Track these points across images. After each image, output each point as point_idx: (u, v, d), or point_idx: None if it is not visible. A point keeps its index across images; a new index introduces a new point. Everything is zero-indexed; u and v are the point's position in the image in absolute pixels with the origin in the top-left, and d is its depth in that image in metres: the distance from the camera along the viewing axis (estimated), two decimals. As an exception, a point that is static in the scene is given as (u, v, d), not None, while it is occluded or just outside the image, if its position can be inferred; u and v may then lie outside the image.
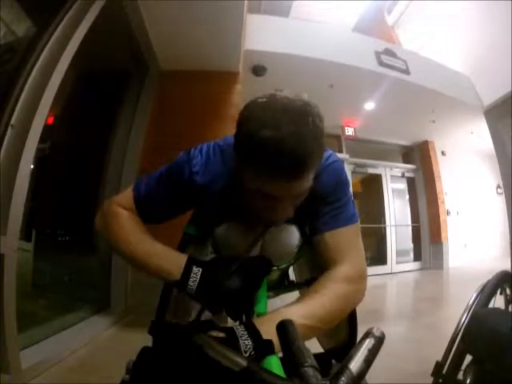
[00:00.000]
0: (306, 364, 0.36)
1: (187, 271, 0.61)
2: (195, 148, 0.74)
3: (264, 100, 0.58)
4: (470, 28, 4.63)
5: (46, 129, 1.66)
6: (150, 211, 0.74)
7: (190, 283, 0.59)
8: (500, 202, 6.06)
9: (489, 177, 6.47)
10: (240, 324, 0.52)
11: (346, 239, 0.69)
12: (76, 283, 2.74)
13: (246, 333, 0.48)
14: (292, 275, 1.15)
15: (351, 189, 0.77)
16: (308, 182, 0.60)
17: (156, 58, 2.96)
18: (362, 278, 0.67)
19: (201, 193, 0.71)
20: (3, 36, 1.75)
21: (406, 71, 4.28)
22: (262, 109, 0.56)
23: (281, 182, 0.56)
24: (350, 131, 5.37)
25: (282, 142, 0.52)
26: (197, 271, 0.60)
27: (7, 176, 1.45)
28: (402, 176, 6.38)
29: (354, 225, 0.71)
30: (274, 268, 0.81)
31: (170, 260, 0.64)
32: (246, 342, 0.46)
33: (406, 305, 3.78)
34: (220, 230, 0.77)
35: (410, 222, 6.21)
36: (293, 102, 0.56)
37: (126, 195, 0.76)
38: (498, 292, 1.31)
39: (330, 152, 0.75)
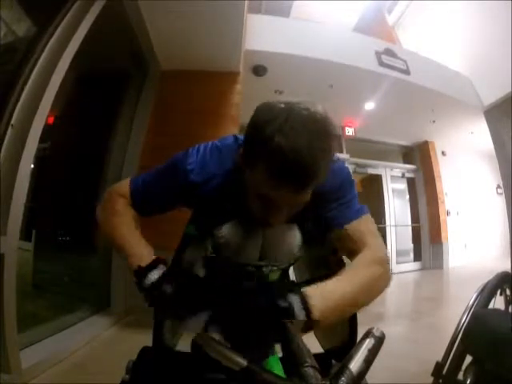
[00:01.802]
0: (306, 364, 0.36)
1: (144, 274, 0.61)
2: (193, 147, 0.75)
3: (282, 106, 0.57)
4: (470, 28, 4.63)
5: (47, 129, 1.66)
6: (142, 203, 0.76)
7: (145, 284, 0.59)
8: (500, 202, 6.06)
9: (489, 177, 6.47)
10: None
11: (364, 229, 0.72)
12: (76, 283, 2.74)
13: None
14: (292, 275, 1.15)
15: (356, 188, 0.78)
16: (309, 194, 0.61)
17: (156, 57, 2.95)
18: (386, 261, 0.70)
19: (194, 191, 0.72)
20: (3, 36, 1.75)
21: (407, 71, 4.28)
22: (280, 116, 0.55)
23: (286, 192, 0.57)
24: (350, 131, 5.37)
25: (297, 155, 0.52)
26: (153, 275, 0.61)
27: (7, 176, 1.45)
28: (402, 176, 6.38)
29: (367, 215, 0.74)
30: (274, 268, 0.82)
31: (136, 252, 0.66)
32: None
33: (406, 305, 3.78)
34: (219, 230, 0.77)
35: (410, 222, 6.21)
36: (313, 116, 0.56)
37: (124, 184, 0.78)
38: (498, 293, 1.31)
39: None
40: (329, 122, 0.57)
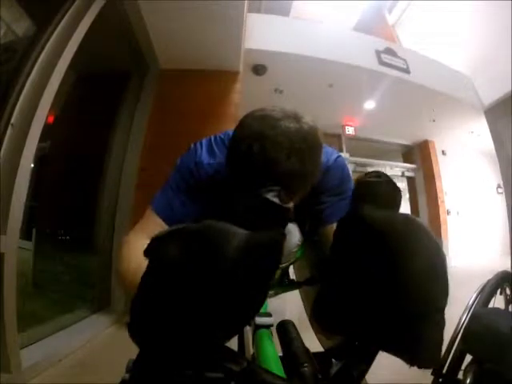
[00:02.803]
0: (306, 364, 0.36)
1: None
2: (194, 144, 0.76)
3: (259, 117, 0.57)
4: (471, 27, 4.63)
5: (46, 128, 1.66)
6: (175, 217, 0.70)
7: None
8: (500, 201, 6.06)
9: (489, 176, 6.46)
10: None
11: None
12: (76, 282, 2.74)
13: None
14: (292, 274, 1.15)
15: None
16: (291, 206, 0.58)
17: (156, 57, 2.95)
18: None
19: (211, 179, 0.71)
20: (3, 35, 1.75)
21: (407, 70, 4.28)
22: (256, 124, 0.55)
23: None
24: (350, 130, 5.36)
25: (271, 166, 0.51)
26: None
27: (7, 175, 1.45)
28: (402, 175, 6.37)
29: None
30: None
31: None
32: None
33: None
34: None
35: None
36: (289, 129, 0.54)
37: (145, 216, 0.72)
38: (498, 292, 1.31)
39: (331, 149, 0.78)
40: (310, 134, 0.56)
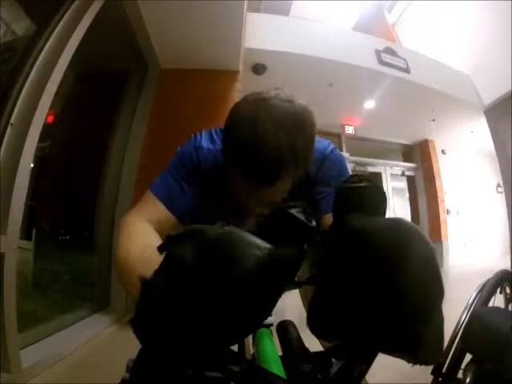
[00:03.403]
0: (306, 364, 0.35)
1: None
2: (194, 133, 0.79)
3: (252, 100, 0.60)
4: (471, 27, 4.62)
5: (46, 128, 1.66)
6: (174, 201, 0.71)
7: None
8: (500, 200, 6.06)
9: (489, 176, 6.46)
10: None
11: None
12: (76, 282, 2.75)
13: None
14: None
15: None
16: (280, 188, 0.59)
17: (156, 56, 2.95)
18: None
19: (209, 165, 0.72)
20: (3, 35, 1.75)
21: (407, 70, 4.27)
22: (249, 104, 0.58)
23: (248, 185, 0.57)
24: (349, 130, 5.36)
25: (256, 150, 0.52)
26: None
27: (7, 175, 1.45)
28: (402, 175, 6.37)
29: None
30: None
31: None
32: None
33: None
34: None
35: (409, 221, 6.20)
36: (282, 107, 0.56)
37: (144, 199, 0.72)
38: (498, 291, 1.31)
39: (327, 141, 0.79)
40: (301, 114, 0.57)
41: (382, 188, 0.34)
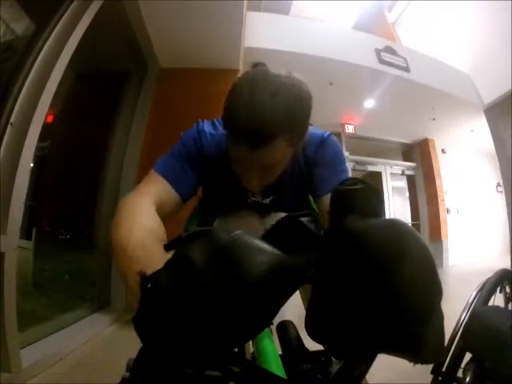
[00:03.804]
0: (306, 364, 0.35)
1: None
2: (197, 121, 0.82)
3: (252, 72, 0.66)
4: (471, 26, 4.62)
5: (46, 127, 1.66)
6: (177, 180, 0.72)
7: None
8: (500, 200, 6.06)
9: (489, 175, 6.46)
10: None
11: None
12: (76, 281, 2.75)
13: None
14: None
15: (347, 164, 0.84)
16: (276, 153, 0.62)
17: (155, 55, 2.94)
18: None
19: (211, 148, 0.76)
20: (2, 34, 1.75)
21: (407, 69, 4.27)
22: (245, 79, 0.64)
23: (244, 149, 0.60)
24: (349, 129, 5.36)
25: (244, 112, 0.57)
26: None
27: (7, 175, 1.45)
28: (402, 174, 6.37)
29: None
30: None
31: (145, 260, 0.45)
32: None
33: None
34: (219, 223, 0.80)
35: (409, 220, 6.21)
36: (270, 77, 0.62)
37: (147, 179, 0.72)
38: (498, 290, 1.31)
39: (325, 130, 0.83)
40: (298, 84, 0.63)
41: (378, 189, 0.35)
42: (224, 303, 0.27)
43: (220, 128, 0.78)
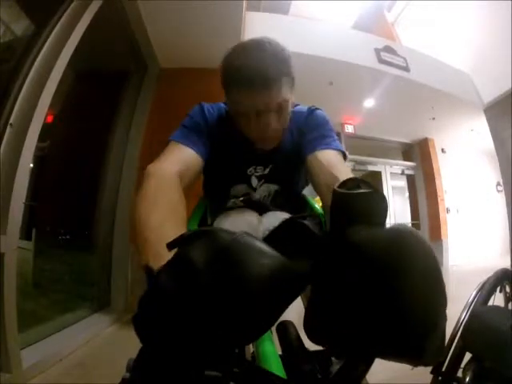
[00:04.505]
0: (306, 364, 0.35)
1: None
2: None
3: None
4: (471, 25, 4.61)
5: (45, 127, 1.66)
6: (196, 144, 0.79)
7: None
8: (500, 199, 6.06)
9: (489, 174, 6.46)
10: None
11: (336, 161, 0.73)
12: (76, 282, 2.75)
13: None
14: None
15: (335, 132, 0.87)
16: (279, 92, 0.72)
17: (155, 56, 2.95)
18: None
19: (213, 125, 0.86)
20: (2, 35, 1.75)
21: (406, 68, 4.27)
22: (234, 49, 0.78)
23: (252, 92, 0.69)
24: (349, 128, 5.35)
25: (245, 59, 0.70)
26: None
27: (7, 175, 1.45)
28: (402, 173, 6.37)
29: (346, 159, 0.81)
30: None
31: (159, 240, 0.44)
32: None
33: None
34: (218, 222, 0.81)
35: (409, 220, 6.21)
36: (256, 38, 0.77)
37: (167, 150, 0.79)
38: (498, 290, 1.31)
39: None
40: (271, 41, 0.76)
41: (382, 193, 0.33)
42: (224, 305, 0.26)
43: (221, 105, 0.92)
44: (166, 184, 0.59)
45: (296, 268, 0.30)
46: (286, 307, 0.30)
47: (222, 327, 0.27)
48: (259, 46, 0.72)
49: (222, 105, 0.93)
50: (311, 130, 0.83)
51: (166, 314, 0.27)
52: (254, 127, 0.76)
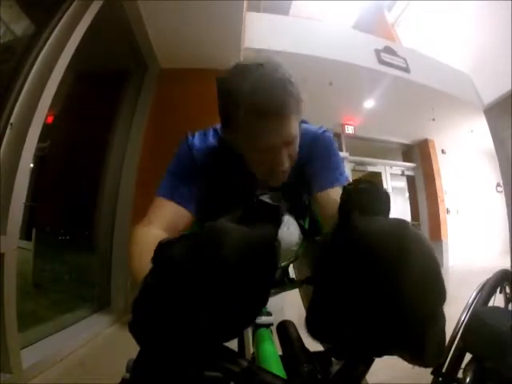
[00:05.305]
0: (306, 364, 0.35)
1: None
2: (186, 135, 0.82)
3: (241, 66, 0.65)
4: (471, 26, 4.62)
5: (46, 128, 1.66)
6: (183, 196, 0.72)
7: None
8: (500, 200, 6.06)
9: (489, 175, 6.47)
10: None
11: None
12: (76, 282, 2.75)
13: None
14: (292, 273, 1.15)
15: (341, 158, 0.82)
16: (292, 125, 0.63)
17: (155, 56, 2.95)
18: None
19: (203, 162, 0.76)
20: (2, 35, 1.75)
21: (406, 69, 4.27)
22: (235, 72, 0.64)
23: (266, 121, 0.60)
24: (349, 129, 5.36)
25: (257, 83, 0.59)
26: None
27: (7, 175, 1.45)
28: (402, 174, 6.37)
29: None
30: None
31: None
32: None
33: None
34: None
35: (409, 220, 6.19)
36: (260, 60, 0.64)
37: (153, 207, 0.72)
38: (498, 290, 1.31)
39: (319, 125, 0.83)
40: (279, 63, 0.65)
41: (384, 188, 0.35)
42: (204, 289, 0.27)
43: (211, 138, 0.80)
44: (151, 238, 0.60)
45: (261, 233, 0.31)
46: (266, 286, 0.31)
47: (207, 313, 0.27)
48: (267, 69, 0.62)
49: (212, 131, 0.83)
50: (317, 158, 0.77)
51: (154, 312, 0.28)
52: (264, 163, 0.68)
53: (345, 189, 0.35)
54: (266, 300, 0.32)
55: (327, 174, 0.74)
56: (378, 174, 6.05)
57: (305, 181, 0.78)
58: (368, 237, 0.28)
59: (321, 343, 0.32)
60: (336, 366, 0.34)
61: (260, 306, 0.31)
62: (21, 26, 1.79)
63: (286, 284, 1.05)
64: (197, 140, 0.79)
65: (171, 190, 0.73)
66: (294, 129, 0.64)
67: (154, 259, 0.31)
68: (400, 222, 0.30)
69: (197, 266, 0.28)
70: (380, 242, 0.27)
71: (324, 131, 0.81)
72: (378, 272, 0.26)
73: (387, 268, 0.26)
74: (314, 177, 0.76)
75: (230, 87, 0.63)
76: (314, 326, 0.30)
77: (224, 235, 0.29)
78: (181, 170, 0.75)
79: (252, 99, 0.59)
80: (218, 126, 0.80)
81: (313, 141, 0.78)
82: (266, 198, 0.36)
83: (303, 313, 0.31)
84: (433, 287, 0.27)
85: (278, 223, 0.33)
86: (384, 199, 0.34)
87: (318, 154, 0.77)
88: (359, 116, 5.13)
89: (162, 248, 0.31)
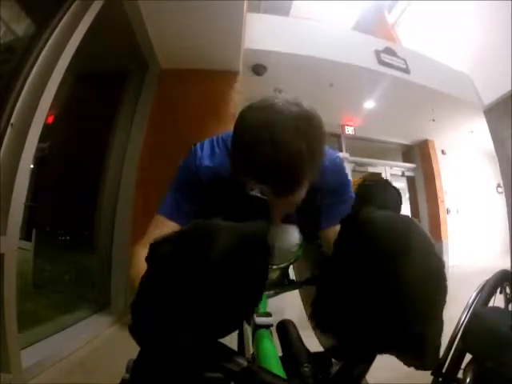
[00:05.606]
0: (306, 364, 0.36)
1: None
2: (194, 145, 0.76)
3: (260, 106, 0.56)
4: (471, 27, 4.62)
5: (46, 128, 1.66)
6: (185, 216, 0.70)
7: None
8: (500, 200, 6.06)
9: (489, 176, 6.46)
10: None
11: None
12: (76, 282, 2.74)
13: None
14: (292, 274, 1.15)
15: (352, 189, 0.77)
16: (301, 195, 0.58)
17: (156, 56, 2.95)
18: None
19: (211, 182, 0.70)
20: (3, 35, 1.75)
21: (406, 70, 4.28)
22: (258, 112, 0.54)
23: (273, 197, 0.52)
24: (349, 130, 5.36)
25: (272, 159, 0.50)
26: None
27: (7, 175, 1.45)
28: (402, 175, 6.37)
29: None
30: (274, 267, 0.82)
31: None
32: None
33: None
34: None
35: (410, 221, 6.19)
36: (290, 114, 0.54)
37: (153, 225, 0.71)
38: (498, 291, 1.31)
39: (331, 149, 0.77)
40: (312, 117, 0.56)
41: (394, 185, 0.37)
42: (195, 286, 0.28)
43: (219, 154, 0.73)
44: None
45: (252, 227, 0.32)
46: (261, 275, 0.31)
47: (203, 306, 0.28)
48: (285, 126, 0.52)
49: (221, 142, 0.75)
50: (327, 190, 0.73)
51: (152, 309, 0.28)
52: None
53: (359, 185, 0.36)
54: (261, 294, 0.32)
55: (336, 209, 0.71)
56: (379, 175, 6.05)
57: (317, 211, 0.75)
58: (371, 223, 0.29)
59: (320, 343, 0.32)
60: (336, 367, 0.34)
61: (254, 302, 0.32)
62: (21, 26, 1.80)
63: (285, 285, 1.05)
64: (205, 156, 0.72)
65: (173, 209, 0.71)
66: (298, 199, 0.59)
67: (148, 259, 0.31)
68: (407, 217, 0.31)
69: (185, 263, 0.28)
70: (382, 228, 0.28)
71: (334, 158, 0.75)
72: (376, 265, 0.26)
73: (384, 260, 0.26)
74: (325, 211, 0.74)
75: (240, 145, 0.55)
76: (319, 317, 0.31)
77: (211, 231, 0.30)
78: (184, 186, 0.72)
79: (258, 173, 0.51)
80: (225, 134, 0.76)
81: (324, 170, 0.69)
82: (255, 193, 0.37)
83: (303, 313, 0.31)
84: (435, 284, 0.27)
85: (268, 217, 0.34)
86: (395, 194, 0.36)
87: (330, 184, 0.72)
88: (359, 117, 5.13)
89: (154, 248, 0.31)
